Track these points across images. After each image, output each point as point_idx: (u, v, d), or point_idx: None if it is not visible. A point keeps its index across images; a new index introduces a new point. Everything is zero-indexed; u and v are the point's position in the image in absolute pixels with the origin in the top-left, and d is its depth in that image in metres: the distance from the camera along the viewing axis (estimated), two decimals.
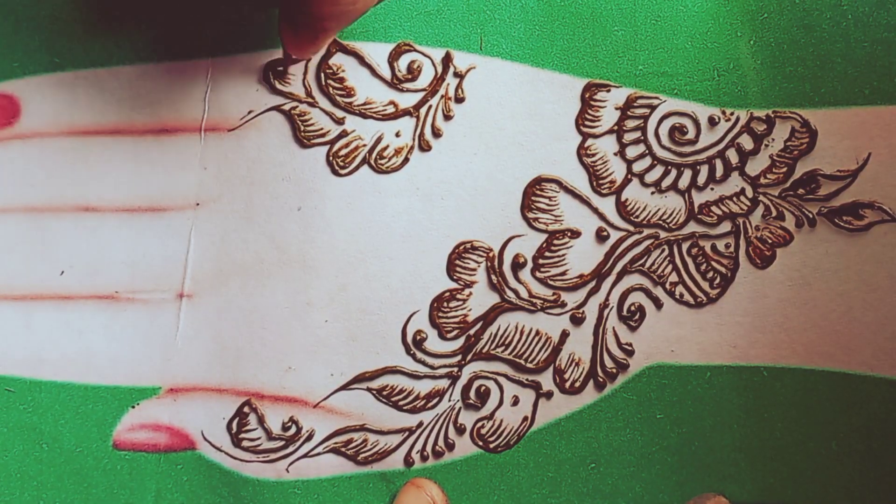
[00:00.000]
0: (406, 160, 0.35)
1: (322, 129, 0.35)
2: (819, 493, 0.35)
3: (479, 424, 0.35)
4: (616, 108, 0.35)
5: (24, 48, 0.34)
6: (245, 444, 0.35)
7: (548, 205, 0.35)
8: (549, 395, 0.35)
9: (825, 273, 0.35)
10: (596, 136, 0.35)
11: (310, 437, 0.35)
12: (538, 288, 0.35)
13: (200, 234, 0.35)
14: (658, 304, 0.35)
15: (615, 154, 0.35)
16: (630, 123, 0.35)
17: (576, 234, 0.35)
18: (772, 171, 0.35)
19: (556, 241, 0.35)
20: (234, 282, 0.35)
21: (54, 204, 0.34)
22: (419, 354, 0.35)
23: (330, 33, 0.31)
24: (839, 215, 0.35)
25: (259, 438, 0.35)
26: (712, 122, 0.35)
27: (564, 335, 0.35)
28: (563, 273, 0.35)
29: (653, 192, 0.35)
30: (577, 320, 0.35)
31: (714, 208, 0.35)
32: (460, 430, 0.35)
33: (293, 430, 0.35)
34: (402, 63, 0.35)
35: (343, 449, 0.35)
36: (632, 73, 0.35)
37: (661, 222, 0.35)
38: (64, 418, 0.34)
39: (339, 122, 0.35)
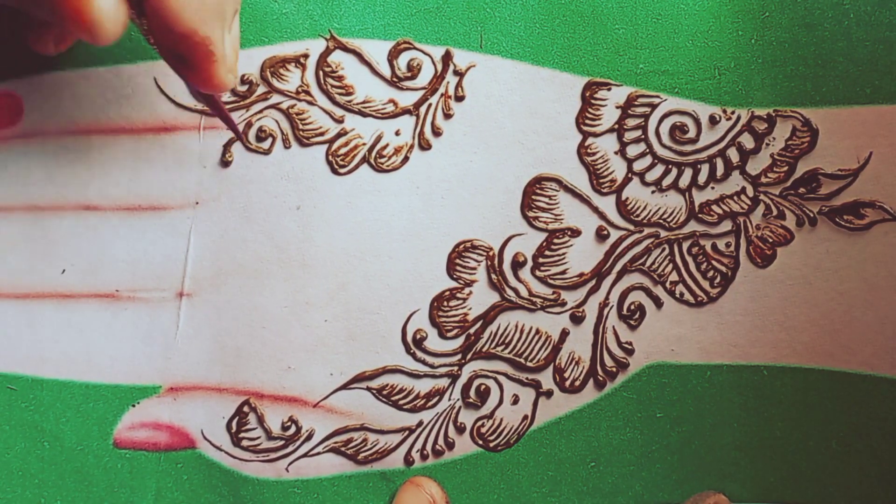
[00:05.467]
0: (406, 159, 0.35)
1: (321, 127, 0.34)
2: (819, 492, 0.35)
3: (479, 423, 0.35)
4: (617, 107, 0.35)
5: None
6: (245, 443, 0.35)
7: (548, 203, 0.35)
8: (549, 393, 0.35)
9: (826, 272, 0.35)
10: (596, 135, 0.35)
11: (309, 437, 0.35)
12: (538, 287, 0.35)
13: (200, 233, 0.35)
14: (658, 303, 0.35)
15: (616, 153, 0.35)
16: (631, 122, 0.35)
17: (576, 232, 0.35)
18: (773, 170, 0.35)
19: (556, 240, 0.35)
20: (233, 281, 0.35)
21: (55, 203, 0.34)
22: (419, 353, 0.35)
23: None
24: (840, 214, 0.35)
25: (259, 438, 0.35)
26: (713, 120, 0.35)
27: (564, 334, 0.35)
28: (564, 272, 0.35)
29: (653, 191, 0.35)
30: (577, 319, 0.35)
31: (715, 207, 0.35)
32: (460, 429, 0.35)
33: (293, 429, 0.35)
34: (402, 61, 0.35)
35: (343, 448, 0.35)
36: (633, 71, 0.35)
37: (661, 221, 0.35)
38: (65, 416, 0.34)
39: (339, 120, 0.35)
